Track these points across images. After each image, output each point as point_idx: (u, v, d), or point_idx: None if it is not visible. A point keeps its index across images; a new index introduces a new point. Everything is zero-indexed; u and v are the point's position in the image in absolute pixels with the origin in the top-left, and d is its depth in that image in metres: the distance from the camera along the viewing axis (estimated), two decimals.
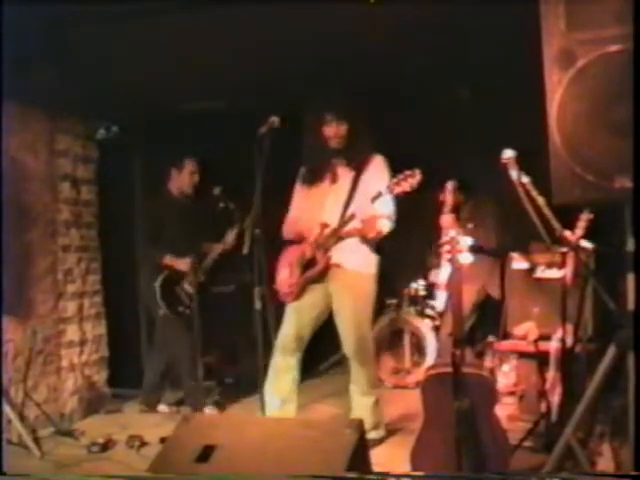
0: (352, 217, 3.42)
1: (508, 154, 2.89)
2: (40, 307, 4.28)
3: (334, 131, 3.54)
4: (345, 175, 3.59)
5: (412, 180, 3.27)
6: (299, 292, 3.58)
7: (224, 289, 5.33)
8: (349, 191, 3.54)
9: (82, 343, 4.63)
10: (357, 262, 3.55)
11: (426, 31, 3.92)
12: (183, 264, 4.43)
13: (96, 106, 4.66)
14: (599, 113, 2.37)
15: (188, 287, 4.43)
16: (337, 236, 3.48)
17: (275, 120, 3.27)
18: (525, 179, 2.85)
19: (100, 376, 4.79)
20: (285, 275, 3.60)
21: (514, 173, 2.86)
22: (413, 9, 3.58)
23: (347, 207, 3.50)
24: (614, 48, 2.34)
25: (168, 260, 4.46)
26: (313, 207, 3.62)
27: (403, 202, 3.46)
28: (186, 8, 3.56)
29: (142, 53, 4.03)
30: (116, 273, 5.03)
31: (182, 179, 4.62)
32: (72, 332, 4.54)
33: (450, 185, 3.32)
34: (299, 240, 3.64)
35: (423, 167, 3.32)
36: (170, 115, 5.13)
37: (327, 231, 3.50)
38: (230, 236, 4.53)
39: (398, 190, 3.29)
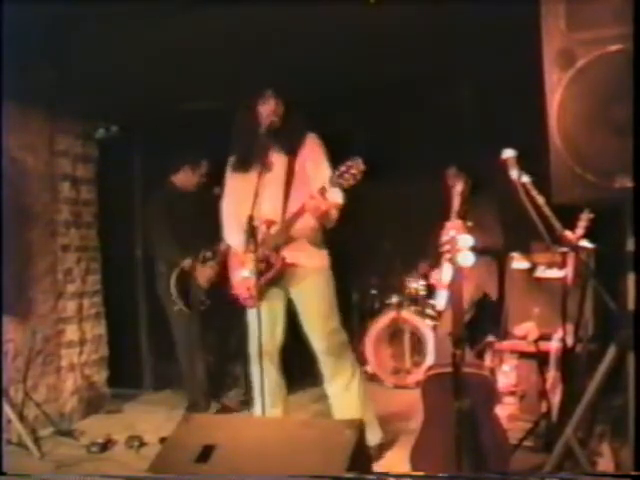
0: (302, 211, 3.24)
1: (508, 154, 2.89)
2: (40, 307, 4.28)
3: (271, 109, 3.34)
4: (278, 162, 3.40)
5: (355, 171, 3.07)
6: (259, 296, 3.34)
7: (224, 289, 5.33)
8: (285, 180, 3.37)
9: (82, 343, 4.63)
10: (311, 258, 3.42)
11: (426, 31, 3.93)
12: (201, 275, 4.46)
13: (96, 106, 4.66)
14: (599, 113, 2.37)
15: (202, 283, 4.47)
16: (287, 235, 3.32)
17: (275, 120, 3.27)
18: (525, 179, 2.84)
19: (100, 376, 4.79)
20: (239, 278, 3.39)
21: (514, 172, 2.85)
22: (413, 9, 3.58)
23: (287, 199, 3.34)
24: (614, 48, 2.34)
25: (187, 265, 4.49)
26: (249, 199, 3.34)
27: (403, 200, 3.43)
28: (186, 8, 3.56)
29: (142, 53, 4.03)
30: (116, 273, 5.03)
31: (193, 178, 4.68)
32: (72, 332, 4.54)
33: (459, 187, 3.21)
34: (243, 237, 3.37)
35: (423, 166, 3.30)
36: (170, 115, 5.13)
37: (274, 229, 3.34)
38: None
39: (343, 184, 3.10)
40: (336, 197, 3.29)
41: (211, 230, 4.55)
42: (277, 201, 3.36)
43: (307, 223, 3.34)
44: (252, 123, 3.37)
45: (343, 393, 3.52)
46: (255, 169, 3.37)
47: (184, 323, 4.53)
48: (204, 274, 4.48)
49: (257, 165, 3.36)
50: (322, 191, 3.16)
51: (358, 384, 3.55)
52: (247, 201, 3.29)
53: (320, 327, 3.46)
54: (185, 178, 4.69)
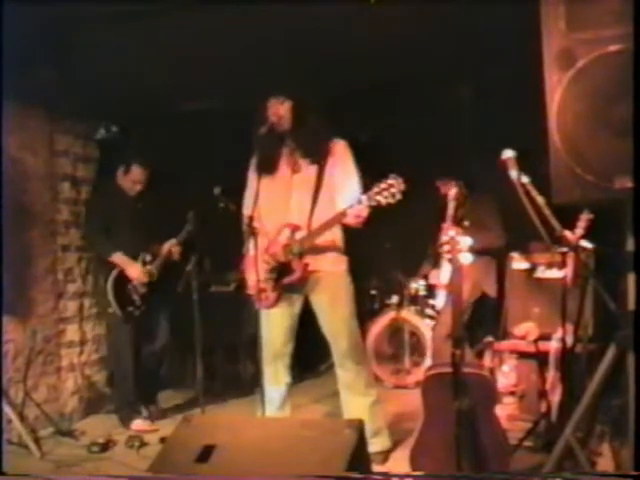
0: (337, 219, 3.21)
1: (508, 154, 2.89)
2: (40, 307, 4.28)
3: (275, 109, 3.30)
4: (307, 167, 3.37)
5: (396, 190, 2.96)
6: (276, 299, 3.38)
7: (224, 289, 5.33)
8: (314, 187, 3.33)
9: (82, 343, 4.64)
10: (333, 264, 3.41)
11: (426, 31, 3.93)
12: (133, 270, 4.29)
13: (96, 106, 4.65)
14: (599, 113, 2.37)
15: (139, 287, 4.31)
16: (313, 241, 3.28)
17: (275, 120, 3.27)
18: (525, 179, 2.84)
19: (100, 376, 4.79)
20: (255, 278, 3.24)
21: (514, 173, 2.85)
22: (413, 9, 3.58)
23: (314, 206, 3.32)
24: (614, 48, 2.34)
25: (117, 259, 4.29)
26: (278, 200, 3.38)
27: (403, 200, 3.41)
28: (186, 8, 3.56)
29: (142, 53, 4.03)
30: None
31: (126, 182, 4.44)
32: (72, 332, 4.55)
33: (453, 192, 3.18)
34: (263, 233, 3.38)
35: (424, 166, 3.28)
36: (170, 115, 5.13)
37: (299, 235, 3.30)
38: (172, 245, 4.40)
39: (381, 201, 2.99)
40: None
41: (150, 234, 4.41)
42: (305, 207, 3.34)
43: (333, 230, 3.33)
44: (267, 128, 3.28)
45: (359, 399, 3.49)
46: (281, 171, 3.39)
47: (117, 326, 4.35)
48: (142, 278, 4.30)
49: (282, 167, 3.38)
50: (359, 203, 3.08)
51: (373, 391, 3.55)
52: (274, 199, 3.35)
53: (343, 331, 3.45)
54: (121, 179, 4.45)
